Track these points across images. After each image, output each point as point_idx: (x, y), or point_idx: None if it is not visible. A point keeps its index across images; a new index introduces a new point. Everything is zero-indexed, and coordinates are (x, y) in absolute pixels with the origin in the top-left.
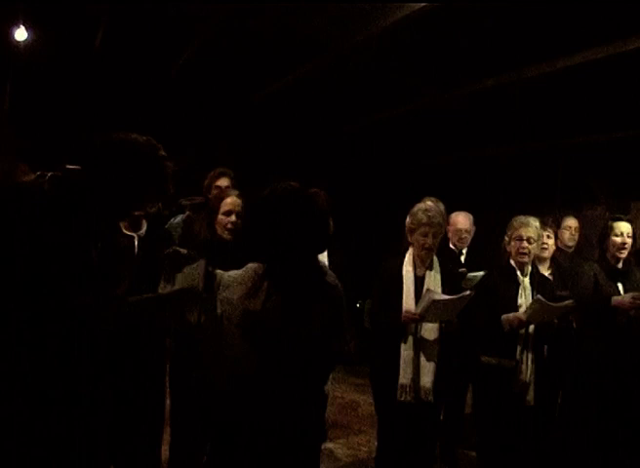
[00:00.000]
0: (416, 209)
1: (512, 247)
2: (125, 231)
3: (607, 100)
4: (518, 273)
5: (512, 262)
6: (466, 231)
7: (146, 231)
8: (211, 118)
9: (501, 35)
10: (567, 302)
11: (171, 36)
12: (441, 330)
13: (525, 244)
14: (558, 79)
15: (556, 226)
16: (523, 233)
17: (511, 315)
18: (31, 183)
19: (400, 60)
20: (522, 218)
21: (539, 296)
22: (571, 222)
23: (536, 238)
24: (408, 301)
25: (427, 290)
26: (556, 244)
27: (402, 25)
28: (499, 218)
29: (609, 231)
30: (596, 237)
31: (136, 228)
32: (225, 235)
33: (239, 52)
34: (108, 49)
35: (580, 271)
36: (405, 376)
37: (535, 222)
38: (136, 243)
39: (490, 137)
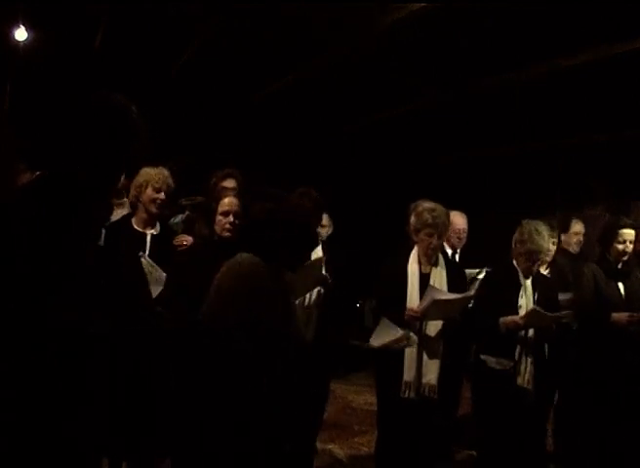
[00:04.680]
0: (420, 209)
1: (522, 261)
2: (137, 228)
3: (607, 100)
4: (520, 274)
5: (515, 263)
6: (464, 231)
7: (160, 230)
8: (211, 118)
9: (501, 35)
10: (564, 313)
11: (171, 36)
12: (444, 327)
13: (539, 262)
14: (558, 79)
15: (560, 229)
16: (536, 258)
17: (509, 318)
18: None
19: (400, 60)
20: (537, 238)
21: (535, 307)
22: (578, 228)
23: (547, 249)
24: (412, 298)
25: (430, 286)
26: (558, 245)
27: (402, 25)
28: (498, 218)
29: (613, 236)
30: (596, 237)
31: (149, 227)
32: (224, 234)
33: (239, 52)
34: (108, 49)
35: (580, 273)
36: (409, 373)
37: (546, 233)
38: (148, 239)
39: (490, 137)
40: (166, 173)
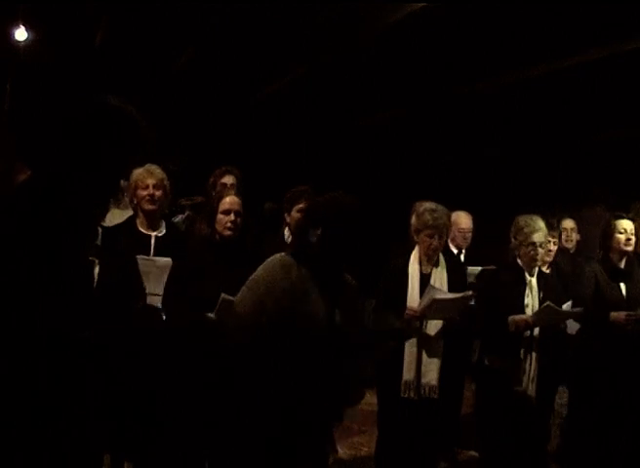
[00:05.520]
0: (421, 209)
1: (525, 253)
2: (141, 230)
3: (607, 100)
4: (525, 273)
5: (519, 262)
6: (470, 231)
7: (166, 231)
8: (213, 117)
9: (503, 36)
10: (577, 310)
11: (171, 36)
12: (444, 327)
13: (539, 250)
14: (558, 79)
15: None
16: (536, 240)
17: (518, 317)
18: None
19: (399, 61)
20: (532, 223)
21: (549, 303)
22: (566, 224)
23: (545, 241)
24: (412, 298)
25: (430, 286)
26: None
27: (407, 24)
28: (498, 218)
29: (612, 229)
30: (597, 237)
31: (153, 228)
32: (225, 233)
33: (245, 48)
34: (108, 49)
35: (581, 273)
36: (409, 373)
37: (542, 223)
38: (152, 242)
39: (490, 138)
40: (153, 168)
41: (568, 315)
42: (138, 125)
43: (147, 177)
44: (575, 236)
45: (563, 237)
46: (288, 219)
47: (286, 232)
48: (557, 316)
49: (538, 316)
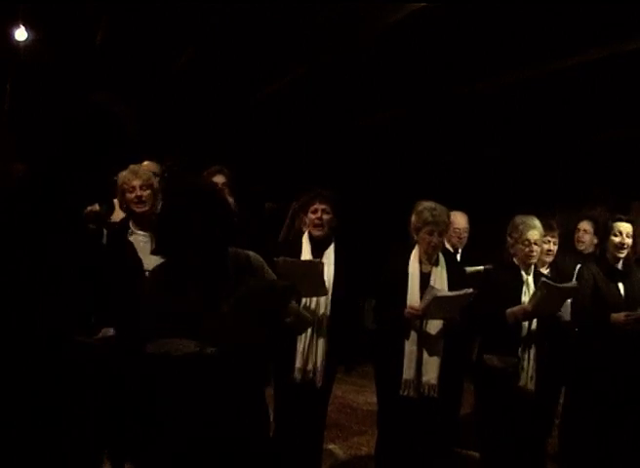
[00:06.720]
0: (421, 207)
1: (520, 250)
2: (137, 231)
3: (607, 100)
4: (522, 272)
5: (516, 261)
6: (465, 230)
7: None
8: (213, 117)
9: (503, 35)
10: (573, 284)
11: (172, 36)
12: (445, 325)
13: (534, 247)
14: (558, 79)
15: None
16: (531, 237)
17: (516, 308)
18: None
19: (399, 62)
20: (527, 220)
21: (544, 279)
22: (581, 225)
23: (540, 239)
24: (413, 297)
25: (430, 286)
26: (566, 245)
27: (407, 24)
28: (498, 218)
29: (609, 231)
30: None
31: (148, 228)
32: None
33: (246, 49)
34: (108, 49)
35: (579, 274)
36: (408, 372)
37: (537, 222)
38: (150, 241)
39: (491, 138)
40: (137, 169)
41: (566, 291)
42: (123, 125)
43: (133, 179)
44: (588, 238)
45: (575, 237)
46: (305, 220)
47: (305, 232)
48: (555, 295)
49: (536, 300)
